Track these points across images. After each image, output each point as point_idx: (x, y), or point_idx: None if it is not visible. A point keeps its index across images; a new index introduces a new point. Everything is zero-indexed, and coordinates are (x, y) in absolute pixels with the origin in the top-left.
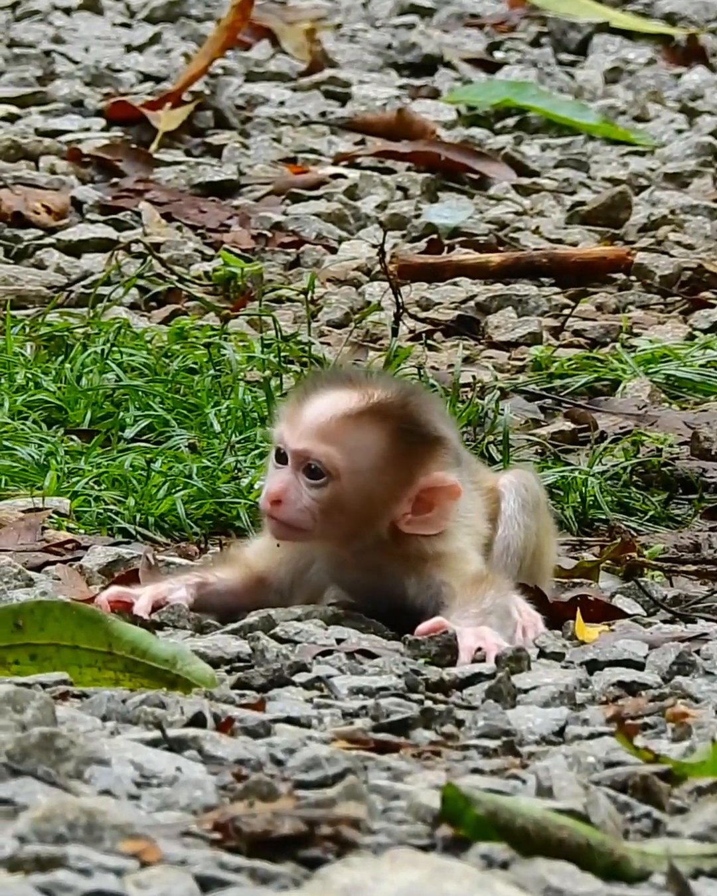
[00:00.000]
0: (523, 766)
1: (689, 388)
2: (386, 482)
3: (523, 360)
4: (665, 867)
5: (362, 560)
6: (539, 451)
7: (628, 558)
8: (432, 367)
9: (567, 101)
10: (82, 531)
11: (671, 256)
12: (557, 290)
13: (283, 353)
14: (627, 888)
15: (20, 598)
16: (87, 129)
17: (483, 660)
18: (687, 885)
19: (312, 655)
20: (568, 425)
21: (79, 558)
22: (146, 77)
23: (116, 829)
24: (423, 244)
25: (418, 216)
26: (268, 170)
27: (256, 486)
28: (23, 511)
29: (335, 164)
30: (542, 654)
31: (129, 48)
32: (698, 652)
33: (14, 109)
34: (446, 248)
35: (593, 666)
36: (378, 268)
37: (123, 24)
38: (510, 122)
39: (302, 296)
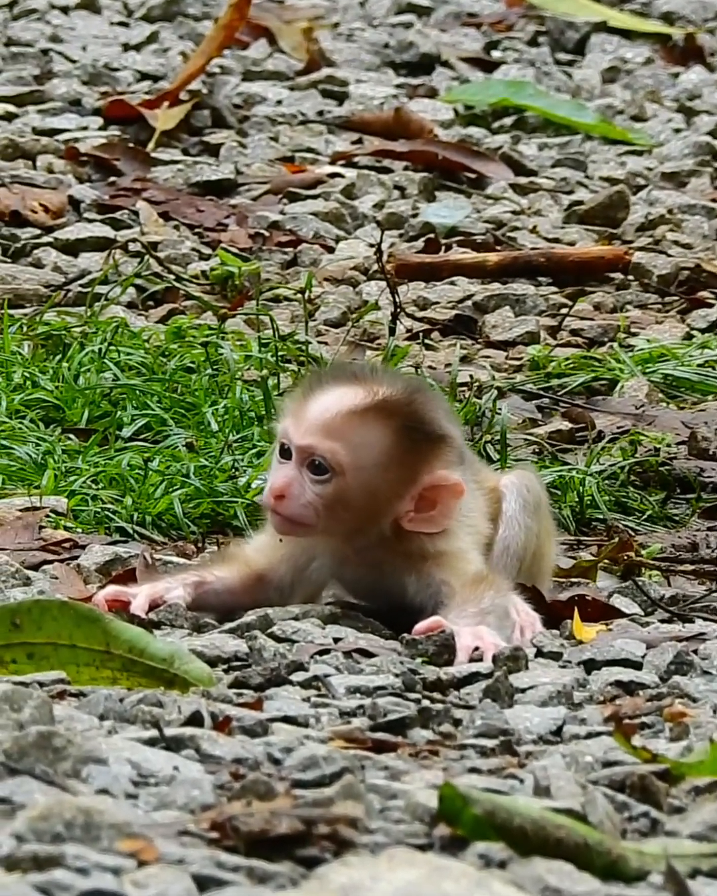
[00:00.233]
0: (521, 765)
1: (687, 387)
2: (390, 479)
3: (520, 359)
4: (663, 867)
5: (364, 557)
6: (537, 450)
7: (625, 558)
8: (430, 367)
9: (565, 101)
10: (80, 530)
11: (669, 256)
12: (554, 289)
13: (280, 353)
14: (625, 888)
15: (18, 596)
16: (85, 128)
17: (481, 659)
18: (685, 884)
19: (309, 654)
20: (566, 425)
21: (76, 557)
22: (144, 76)
23: (114, 828)
24: (420, 243)
25: (415, 215)
26: (265, 169)
27: (253, 485)
28: (20, 510)
29: (333, 163)
30: (539, 653)
31: (126, 47)
32: (695, 651)
33: (11, 108)
34: (443, 248)
35: (590, 665)
36: (376, 267)
37: (121, 23)
38: (508, 121)
39: (299, 295)
